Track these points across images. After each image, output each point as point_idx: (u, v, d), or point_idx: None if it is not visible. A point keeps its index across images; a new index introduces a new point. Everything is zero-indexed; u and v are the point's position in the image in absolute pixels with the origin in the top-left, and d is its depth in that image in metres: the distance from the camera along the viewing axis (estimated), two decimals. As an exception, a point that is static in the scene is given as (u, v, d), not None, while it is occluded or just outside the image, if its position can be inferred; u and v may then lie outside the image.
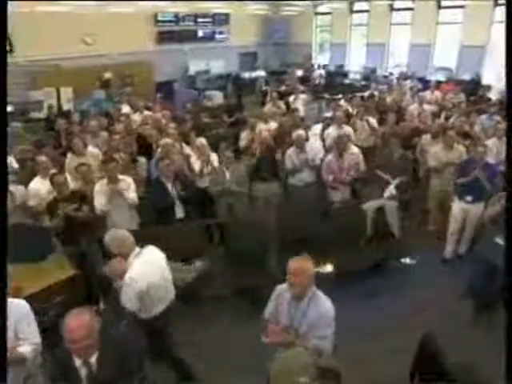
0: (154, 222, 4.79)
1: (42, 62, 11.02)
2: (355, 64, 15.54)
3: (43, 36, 10.62)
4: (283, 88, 11.96)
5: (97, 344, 2.28)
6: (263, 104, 9.81)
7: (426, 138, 6.02)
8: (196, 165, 5.36)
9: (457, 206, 4.99)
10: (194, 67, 14.88)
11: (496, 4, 11.47)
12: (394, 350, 3.47)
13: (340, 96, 10.30)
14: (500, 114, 6.52)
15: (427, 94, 8.83)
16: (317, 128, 7.09)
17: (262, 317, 2.84)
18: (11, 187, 4.57)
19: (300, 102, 8.99)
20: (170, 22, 14.18)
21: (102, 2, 11.79)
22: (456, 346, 2.92)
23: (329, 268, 4.87)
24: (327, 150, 5.90)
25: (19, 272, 3.75)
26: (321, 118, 8.17)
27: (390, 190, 4.90)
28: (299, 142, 5.45)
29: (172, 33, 14.24)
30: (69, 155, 5.50)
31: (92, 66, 11.82)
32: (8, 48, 10.45)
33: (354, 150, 5.55)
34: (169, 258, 4.43)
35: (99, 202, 4.41)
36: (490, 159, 5.15)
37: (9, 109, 9.52)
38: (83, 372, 2.33)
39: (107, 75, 12.18)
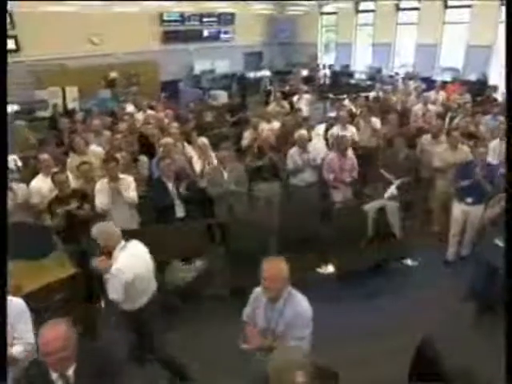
0: (154, 221, 4.80)
1: (47, 62, 11.10)
2: (361, 64, 15.44)
3: (49, 36, 10.68)
4: (287, 88, 11.93)
5: (74, 356, 2.20)
6: (267, 104, 9.79)
7: (427, 137, 5.97)
8: (197, 164, 5.36)
9: (457, 208, 4.95)
10: (199, 67, 14.88)
11: (503, 4, 11.36)
12: (394, 351, 3.45)
13: (344, 96, 10.25)
14: (504, 114, 6.45)
15: (432, 95, 8.77)
16: (320, 128, 7.07)
17: (241, 319, 2.86)
18: (14, 185, 4.61)
19: (304, 101, 8.97)
20: (175, 21, 14.19)
21: (108, 2, 11.84)
22: (457, 348, 2.90)
23: (330, 268, 4.86)
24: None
25: (20, 270, 3.78)
26: (325, 118, 8.15)
27: (391, 190, 4.87)
28: (301, 142, 5.43)
29: (177, 32, 14.24)
30: (71, 154, 5.52)
31: (97, 66, 11.87)
32: (14, 47, 10.58)
33: (349, 154, 5.50)
34: (169, 257, 4.48)
35: (100, 200, 4.43)
36: (494, 160, 5.11)
37: (15, 108, 9.64)
38: None
39: (113, 75, 12.23)
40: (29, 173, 5.21)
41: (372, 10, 14.90)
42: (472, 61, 12.17)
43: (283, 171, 5.62)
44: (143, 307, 3.24)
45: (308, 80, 13.71)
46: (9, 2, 8.81)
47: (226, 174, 5.04)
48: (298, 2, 16.19)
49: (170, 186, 4.69)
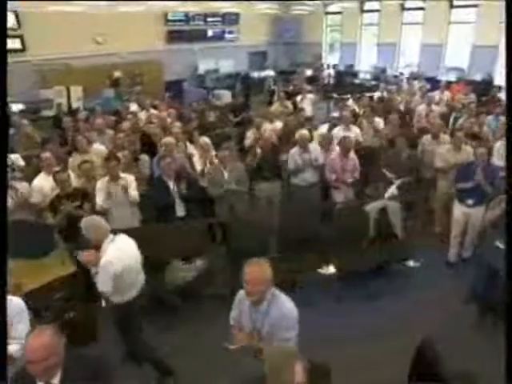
0: (154, 220, 4.80)
1: (52, 61, 11.14)
2: (365, 64, 15.38)
3: (55, 35, 10.73)
4: (291, 88, 11.91)
5: (61, 363, 2.13)
6: (270, 103, 9.80)
7: (427, 138, 5.92)
8: (198, 164, 5.36)
9: (458, 210, 4.91)
10: (204, 66, 14.89)
11: (510, 3, 11.26)
12: (395, 352, 3.43)
13: (348, 96, 10.22)
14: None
15: (437, 94, 8.72)
16: (324, 128, 7.05)
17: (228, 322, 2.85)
18: (16, 184, 4.64)
19: (307, 101, 8.96)
20: (179, 21, 14.20)
21: (113, 2, 11.88)
22: (457, 349, 2.90)
23: (331, 269, 4.84)
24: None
25: (21, 268, 3.81)
26: (329, 118, 8.12)
27: (392, 190, 4.84)
28: (302, 142, 5.42)
29: (182, 32, 14.26)
30: (73, 153, 5.54)
31: (102, 65, 11.90)
32: (20, 47, 10.65)
33: (351, 154, 5.49)
34: (169, 256, 4.48)
35: (100, 199, 4.44)
36: (499, 161, 5.06)
37: (20, 107, 9.70)
38: None
39: (117, 74, 12.26)
40: (32, 171, 5.23)
41: (377, 10, 14.84)
42: (477, 61, 12.09)
43: (284, 171, 5.61)
44: (131, 300, 3.29)
45: (312, 80, 13.69)
46: (15, 2, 9.04)
47: (226, 174, 5.04)
48: (303, 1, 16.16)
49: (171, 184, 4.69)
